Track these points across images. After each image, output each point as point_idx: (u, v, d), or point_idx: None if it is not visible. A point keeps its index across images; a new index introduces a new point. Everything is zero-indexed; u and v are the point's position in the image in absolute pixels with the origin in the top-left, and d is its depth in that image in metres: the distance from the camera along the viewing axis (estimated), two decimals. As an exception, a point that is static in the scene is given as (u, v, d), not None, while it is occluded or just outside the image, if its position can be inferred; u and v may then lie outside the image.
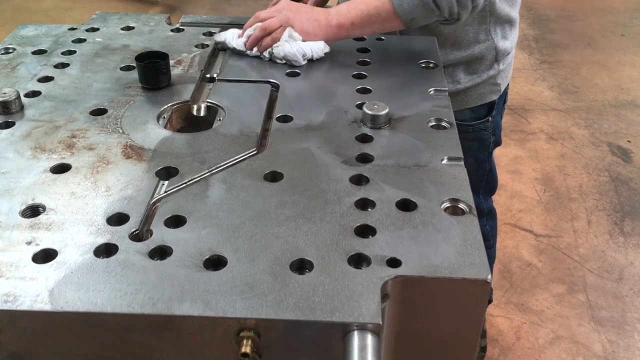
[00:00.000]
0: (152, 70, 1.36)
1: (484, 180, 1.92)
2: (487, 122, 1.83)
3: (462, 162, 1.18)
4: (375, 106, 1.27)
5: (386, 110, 1.26)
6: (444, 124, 1.29)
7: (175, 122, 1.36)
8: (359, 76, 1.46)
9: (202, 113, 1.37)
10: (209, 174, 1.14)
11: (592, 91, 4.33)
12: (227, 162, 1.16)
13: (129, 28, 1.66)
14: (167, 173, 1.14)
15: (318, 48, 1.48)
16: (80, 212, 1.03)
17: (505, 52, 1.75)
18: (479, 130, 1.82)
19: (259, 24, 1.50)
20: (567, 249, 3.03)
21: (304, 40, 1.47)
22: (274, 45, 1.48)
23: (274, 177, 1.14)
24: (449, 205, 1.07)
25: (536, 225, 3.17)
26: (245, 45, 1.51)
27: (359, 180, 1.13)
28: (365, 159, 1.19)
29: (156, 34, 1.63)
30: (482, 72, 1.73)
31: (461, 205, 1.06)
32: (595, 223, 3.18)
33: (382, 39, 1.63)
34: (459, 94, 1.72)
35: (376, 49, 1.57)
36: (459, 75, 1.71)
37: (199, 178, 1.12)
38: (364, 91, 1.40)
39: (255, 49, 1.51)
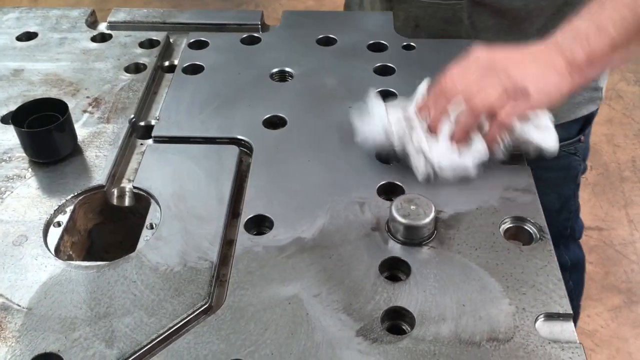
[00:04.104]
0: (41, 137, 0.83)
1: (568, 226, 1.36)
2: (578, 143, 1.26)
3: (572, 324, 0.67)
4: (412, 207, 0.74)
5: (431, 216, 0.73)
6: (528, 227, 0.76)
7: (83, 221, 0.84)
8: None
9: (126, 203, 0.85)
10: (119, 368, 0.63)
11: (640, 35, 3.70)
12: (153, 338, 0.65)
13: (29, 36, 1.10)
14: (42, 373, 0.63)
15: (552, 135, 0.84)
16: None
17: None
18: (566, 156, 1.24)
19: (457, 102, 0.80)
20: (622, 245, 2.54)
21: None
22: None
23: (236, 375, 0.63)
24: None
25: (584, 213, 2.63)
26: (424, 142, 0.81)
27: (390, 379, 0.62)
28: (398, 320, 0.67)
29: (68, 47, 1.07)
30: None
31: None
32: (653, 209, 2.67)
33: (413, 47, 1.06)
34: None
35: (403, 66, 1.02)
36: None
37: (99, 382, 0.62)
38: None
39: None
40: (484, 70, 0.81)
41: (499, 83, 0.79)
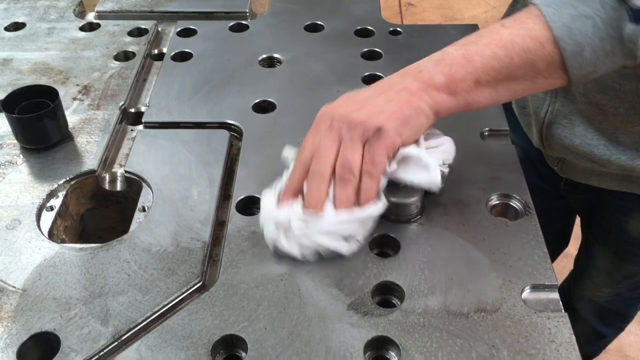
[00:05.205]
0: (32, 123, 0.84)
1: None
2: None
3: (557, 294, 0.69)
4: (401, 185, 0.75)
5: (419, 194, 0.75)
6: (514, 204, 0.78)
7: (75, 206, 0.84)
8: (368, 107, 0.93)
9: (118, 187, 0.86)
10: (115, 343, 0.64)
11: None
12: (148, 315, 0.66)
13: (17, 27, 1.11)
14: (40, 348, 0.64)
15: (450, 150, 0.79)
16: None
17: None
18: None
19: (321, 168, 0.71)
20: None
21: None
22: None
23: (231, 348, 0.64)
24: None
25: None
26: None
27: (380, 349, 0.64)
28: (388, 294, 0.69)
29: (57, 36, 1.08)
30: None
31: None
32: None
33: (399, 32, 1.08)
34: None
35: (390, 51, 1.04)
36: None
37: (95, 358, 0.63)
38: (378, 137, 0.88)
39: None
40: (330, 129, 0.70)
41: (349, 137, 0.69)
